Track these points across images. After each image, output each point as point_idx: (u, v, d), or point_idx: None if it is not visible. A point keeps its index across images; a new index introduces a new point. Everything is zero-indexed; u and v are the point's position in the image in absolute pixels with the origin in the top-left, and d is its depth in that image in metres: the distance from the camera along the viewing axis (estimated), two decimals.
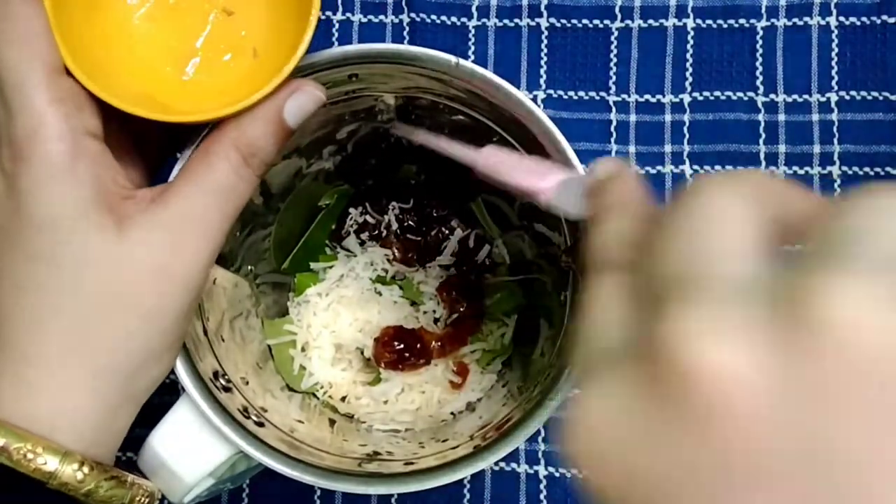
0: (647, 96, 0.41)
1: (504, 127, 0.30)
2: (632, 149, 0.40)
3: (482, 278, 0.39)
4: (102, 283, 0.22)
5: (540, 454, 0.39)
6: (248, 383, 0.31)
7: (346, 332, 0.38)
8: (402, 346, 0.37)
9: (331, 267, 0.39)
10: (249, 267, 0.36)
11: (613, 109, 0.41)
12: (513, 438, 0.27)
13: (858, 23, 0.40)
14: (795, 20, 0.41)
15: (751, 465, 0.12)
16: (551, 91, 0.41)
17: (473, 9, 0.41)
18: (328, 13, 0.41)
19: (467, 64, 0.28)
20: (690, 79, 0.41)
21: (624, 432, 0.13)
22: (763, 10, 0.41)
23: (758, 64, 0.40)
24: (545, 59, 0.41)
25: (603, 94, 0.41)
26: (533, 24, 0.41)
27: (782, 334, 0.12)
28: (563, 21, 0.41)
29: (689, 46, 0.41)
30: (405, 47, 0.28)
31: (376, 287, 0.38)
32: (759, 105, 0.40)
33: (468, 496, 0.39)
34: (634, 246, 0.16)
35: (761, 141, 0.40)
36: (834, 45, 0.40)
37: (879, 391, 0.11)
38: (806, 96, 0.40)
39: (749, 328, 0.12)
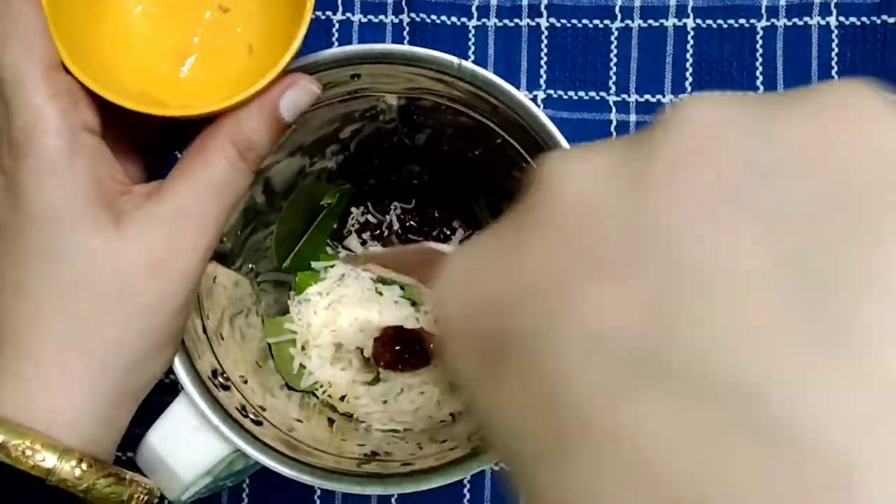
0: (647, 96, 0.41)
1: (505, 128, 0.30)
2: None
3: None
4: (100, 279, 0.23)
5: None
6: (246, 382, 0.31)
7: (347, 332, 0.38)
8: (401, 346, 0.37)
9: (332, 266, 0.39)
10: (250, 265, 0.36)
11: (613, 109, 0.41)
12: None
13: (858, 23, 0.40)
14: (795, 20, 0.41)
15: (596, 258, 0.12)
16: (551, 91, 0.41)
17: (473, 9, 0.41)
18: (328, 13, 0.41)
19: (469, 65, 0.28)
20: (690, 79, 0.41)
21: (478, 265, 0.14)
22: (763, 10, 0.41)
23: (758, 64, 0.40)
24: (545, 59, 0.41)
25: (603, 94, 0.41)
26: (533, 24, 0.41)
27: (631, 148, 0.13)
28: (563, 21, 0.41)
29: (689, 46, 0.41)
30: (407, 48, 0.28)
31: (377, 287, 0.38)
32: None
33: (468, 496, 0.39)
34: None
35: None
36: (834, 45, 0.40)
37: (696, 176, 0.12)
38: None
39: (605, 153, 0.13)
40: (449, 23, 0.41)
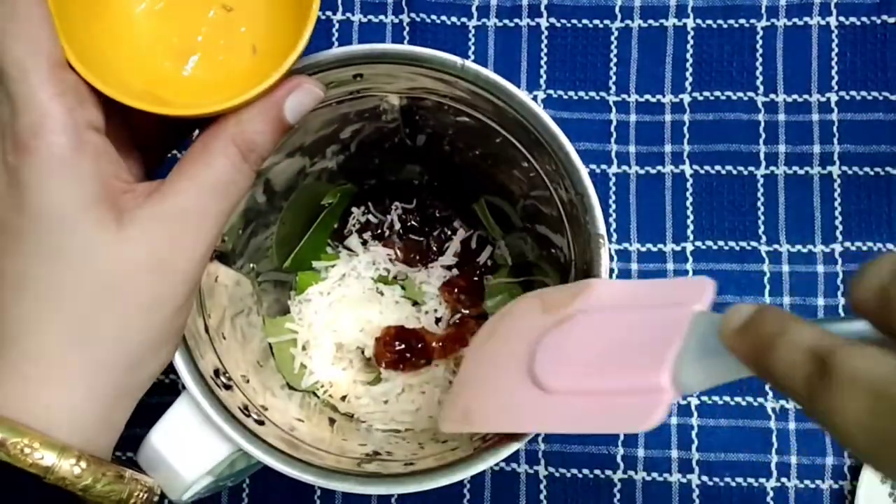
0: (647, 96, 0.41)
1: (508, 129, 0.30)
2: (632, 149, 0.40)
3: (484, 279, 0.39)
4: (101, 277, 0.22)
5: (540, 454, 0.39)
6: (248, 381, 0.31)
7: (348, 332, 0.38)
8: (403, 346, 0.37)
9: (333, 266, 0.39)
10: (251, 265, 0.36)
11: (613, 109, 0.41)
12: (513, 440, 0.27)
13: (858, 23, 0.40)
14: (795, 20, 0.41)
15: None
16: (551, 91, 0.41)
17: (473, 9, 0.41)
18: (328, 13, 0.41)
19: (473, 65, 0.28)
20: (690, 79, 0.41)
21: None
22: (763, 10, 0.41)
23: (758, 64, 0.41)
24: (545, 59, 0.41)
25: (603, 93, 0.41)
26: (533, 23, 0.41)
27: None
28: (563, 21, 0.41)
29: (689, 46, 0.41)
30: (410, 48, 0.28)
31: (378, 287, 0.38)
32: (760, 105, 0.40)
33: (468, 496, 0.39)
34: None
35: (761, 141, 0.40)
36: (834, 45, 0.40)
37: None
38: (806, 96, 0.40)
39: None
40: (449, 23, 0.41)
